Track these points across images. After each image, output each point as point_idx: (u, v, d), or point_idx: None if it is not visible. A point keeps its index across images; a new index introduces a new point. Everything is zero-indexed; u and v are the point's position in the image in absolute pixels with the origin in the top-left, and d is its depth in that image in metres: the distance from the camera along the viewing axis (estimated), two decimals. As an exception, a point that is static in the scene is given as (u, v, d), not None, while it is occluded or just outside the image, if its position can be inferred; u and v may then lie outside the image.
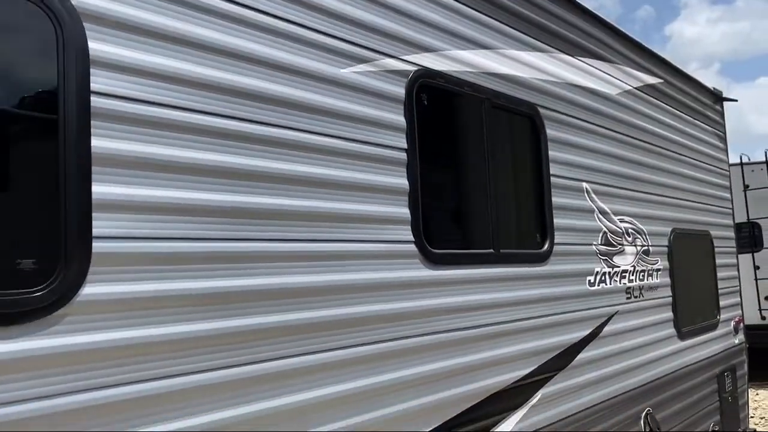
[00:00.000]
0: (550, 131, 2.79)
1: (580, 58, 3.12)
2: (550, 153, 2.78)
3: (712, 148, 4.71)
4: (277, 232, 1.58)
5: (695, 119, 4.45)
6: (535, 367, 2.50)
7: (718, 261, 4.54)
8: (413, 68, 2.10)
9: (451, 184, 2.38)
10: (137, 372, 1.28)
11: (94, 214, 1.25)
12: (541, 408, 2.50)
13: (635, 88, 3.65)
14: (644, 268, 3.48)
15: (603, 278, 3.06)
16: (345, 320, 1.74)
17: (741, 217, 10.14)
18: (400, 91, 2.04)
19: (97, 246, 1.25)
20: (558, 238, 2.75)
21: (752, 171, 10.18)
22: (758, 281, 9.95)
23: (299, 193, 1.66)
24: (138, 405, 1.29)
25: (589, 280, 2.95)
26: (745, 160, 10.30)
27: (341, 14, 1.86)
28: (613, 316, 3.10)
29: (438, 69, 2.20)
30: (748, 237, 10.19)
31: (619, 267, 3.20)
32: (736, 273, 4.92)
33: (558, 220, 2.76)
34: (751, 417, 7.91)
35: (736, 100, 5.16)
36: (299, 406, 1.60)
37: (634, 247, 3.39)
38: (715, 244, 4.52)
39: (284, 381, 1.57)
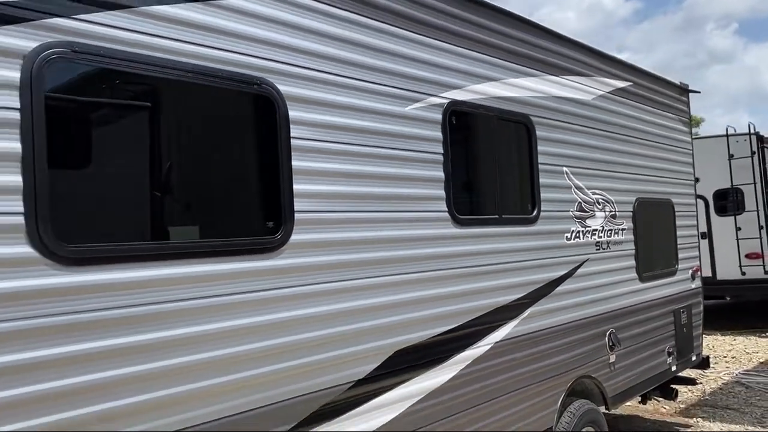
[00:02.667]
0: (539, 132, 4.00)
1: (562, 76, 4.30)
2: (539, 147, 3.99)
3: (676, 132, 5.88)
4: (381, 207, 2.84)
5: (660, 110, 5.62)
6: (526, 293, 3.76)
7: (678, 222, 5.76)
8: (446, 101, 3.31)
9: (471, 174, 3.60)
10: (320, 276, 2.55)
11: (295, 200, 2.50)
12: (529, 320, 3.77)
13: (607, 92, 4.82)
14: (611, 228, 4.71)
15: (577, 235, 4.30)
16: (411, 257, 2.99)
17: (726, 184, 11.33)
18: (439, 116, 3.26)
19: (297, 216, 2.50)
20: (544, 206, 3.98)
21: (737, 142, 11.27)
22: (739, 241, 11.13)
23: (390, 183, 2.91)
24: (312, 296, 2.56)
25: (566, 236, 4.19)
26: (731, 132, 11.39)
27: (406, 75, 3.07)
28: (584, 262, 4.35)
29: (462, 99, 3.41)
30: (731, 201, 11.37)
31: (590, 227, 4.44)
32: (695, 232, 6.14)
33: (544, 194, 3.99)
34: (724, 357, 9.22)
35: (699, 92, 6.31)
36: (392, 303, 2.87)
37: (603, 213, 4.62)
38: (676, 209, 5.73)
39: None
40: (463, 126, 3.45)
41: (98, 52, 1.97)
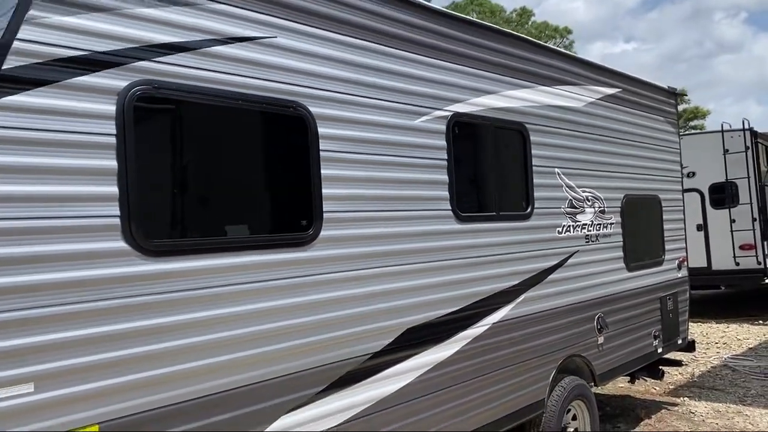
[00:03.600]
0: (533, 138, 4.49)
1: (554, 86, 4.78)
2: (533, 151, 4.49)
3: (663, 132, 6.36)
4: (394, 206, 3.34)
5: (648, 113, 6.09)
6: (521, 280, 4.26)
7: (665, 216, 6.25)
8: (450, 113, 3.81)
9: (472, 176, 4.10)
10: (344, 265, 3.06)
11: (324, 202, 3.01)
12: (524, 304, 4.28)
13: (597, 99, 5.31)
14: (600, 222, 5.20)
15: (568, 229, 4.80)
16: (420, 249, 3.50)
17: (721, 178, 11.79)
18: (443, 127, 3.76)
19: (325, 216, 3.01)
20: (537, 204, 4.48)
21: (731, 137, 11.72)
22: (734, 233, 11.59)
23: (401, 186, 3.41)
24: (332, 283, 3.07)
25: (558, 230, 4.69)
26: (726, 128, 11.83)
27: (415, 93, 3.57)
28: (575, 253, 4.85)
29: (463, 111, 3.91)
30: (726, 195, 11.82)
31: (579, 222, 4.93)
32: (682, 225, 6.62)
33: (537, 193, 4.49)
34: (716, 343, 9.71)
35: (686, 94, 6.76)
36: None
37: (592, 209, 5.11)
38: (663, 205, 6.22)
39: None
40: (465, 135, 3.95)
41: (172, 86, 2.48)
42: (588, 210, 5.05)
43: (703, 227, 11.87)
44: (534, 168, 4.48)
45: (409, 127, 3.53)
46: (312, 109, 3.00)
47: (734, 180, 11.68)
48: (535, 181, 4.48)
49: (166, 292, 2.42)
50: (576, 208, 4.91)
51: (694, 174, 11.97)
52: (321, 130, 3.03)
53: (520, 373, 4.21)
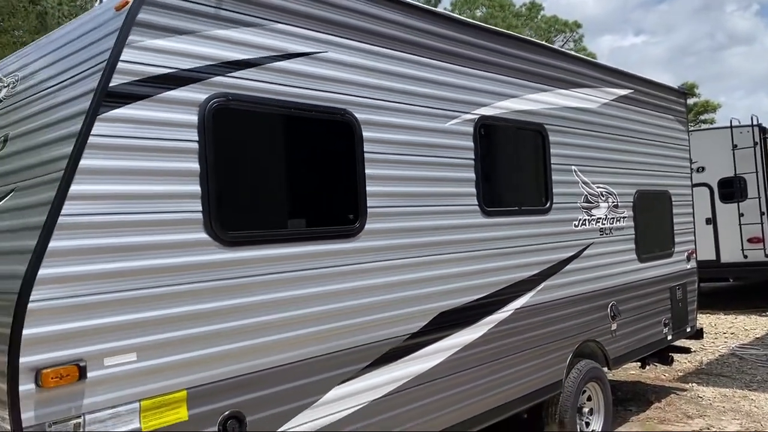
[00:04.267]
0: (551, 137, 4.83)
1: (571, 89, 5.11)
2: (551, 150, 4.82)
3: (673, 130, 6.67)
4: (428, 202, 3.70)
5: (659, 112, 6.41)
6: (541, 270, 4.61)
7: (675, 210, 6.57)
8: (477, 117, 4.15)
9: (496, 173, 4.44)
10: (385, 255, 3.42)
11: (368, 199, 3.37)
12: (543, 292, 4.62)
13: (611, 100, 5.63)
14: (613, 216, 5.53)
15: (584, 222, 5.14)
16: (450, 241, 3.86)
17: (730, 173, 12.06)
18: (471, 129, 4.10)
19: (369, 211, 3.37)
20: (555, 199, 4.82)
21: (740, 133, 11.98)
22: (742, 226, 11.86)
23: (434, 184, 3.76)
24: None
25: (574, 224, 5.03)
26: (735, 123, 12.09)
27: (446, 98, 3.92)
28: (590, 245, 5.19)
29: (489, 114, 4.25)
30: (735, 189, 12.10)
31: (594, 216, 5.27)
32: (691, 219, 6.94)
33: (555, 189, 4.83)
34: (724, 333, 10.01)
35: (693, 94, 7.07)
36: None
37: (606, 203, 5.45)
38: (673, 199, 6.54)
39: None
40: (490, 136, 4.29)
41: (242, 98, 2.84)
42: (602, 205, 5.39)
43: (712, 221, 12.15)
44: (552, 166, 4.82)
45: (440, 130, 3.88)
46: (357, 116, 3.35)
47: (743, 175, 11.94)
48: (553, 177, 4.82)
49: (239, 277, 2.79)
50: (591, 202, 5.24)
51: (703, 169, 12.26)
52: (365, 134, 3.38)
53: (539, 356, 4.56)
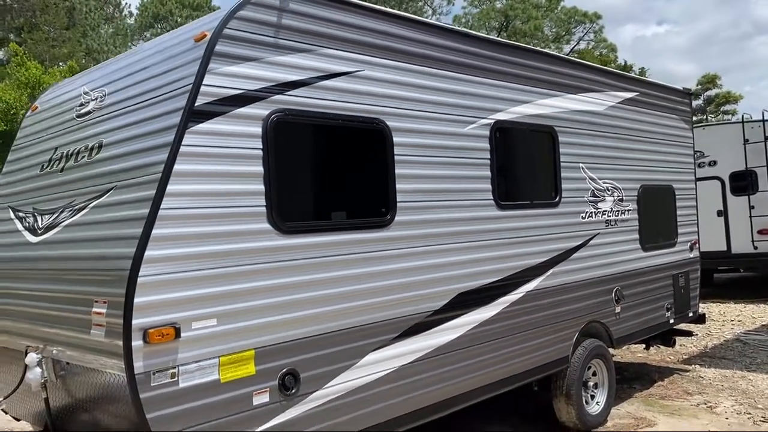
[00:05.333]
0: (561, 138, 5.37)
1: (579, 94, 5.64)
2: (561, 150, 5.36)
3: (677, 129, 7.15)
4: (449, 197, 4.28)
5: (663, 112, 6.90)
6: (550, 257, 5.16)
7: (678, 204, 7.07)
8: (492, 121, 4.71)
9: (509, 171, 5.00)
10: (412, 243, 4.01)
11: (398, 195, 3.95)
12: (552, 277, 5.18)
13: (617, 102, 6.14)
14: (619, 209, 6.06)
15: (590, 215, 5.67)
16: (469, 231, 4.43)
17: (741, 166, 12.45)
18: (487, 133, 4.66)
19: (399, 205, 3.95)
20: (564, 194, 5.36)
21: (752, 128, 12.35)
22: (752, 218, 12.26)
23: (454, 181, 4.33)
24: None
25: (582, 216, 5.57)
26: (746, 118, 12.47)
27: (465, 106, 4.48)
28: (596, 235, 5.72)
29: (503, 119, 4.81)
30: (746, 182, 12.48)
31: (600, 209, 5.80)
32: (694, 212, 7.43)
33: (564, 185, 5.37)
34: (731, 320, 10.46)
35: (699, 94, 7.53)
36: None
37: (612, 197, 5.97)
38: (677, 193, 7.03)
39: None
40: (504, 138, 4.84)
41: (295, 112, 3.44)
42: (608, 198, 5.92)
43: (723, 213, 12.56)
44: (562, 164, 5.36)
45: (460, 134, 4.45)
46: (389, 123, 3.93)
47: (754, 168, 12.33)
48: (562, 174, 5.36)
49: (293, 260, 3.39)
50: (597, 197, 5.77)
51: (715, 162, 12.66)
52: (396, 139, 3.96)
53: (548, 333, 5.12)
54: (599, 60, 38.62)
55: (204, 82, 3.07)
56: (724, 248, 12.50)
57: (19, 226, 4.05)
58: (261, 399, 3.22)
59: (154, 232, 2.87)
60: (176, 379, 2.92)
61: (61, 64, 28.89)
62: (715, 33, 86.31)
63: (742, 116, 12.47)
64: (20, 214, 4.13)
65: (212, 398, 3.04)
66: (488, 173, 4.65)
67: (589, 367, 5.64)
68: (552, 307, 5.17)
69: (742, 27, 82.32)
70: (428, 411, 4.13)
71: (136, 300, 2.80)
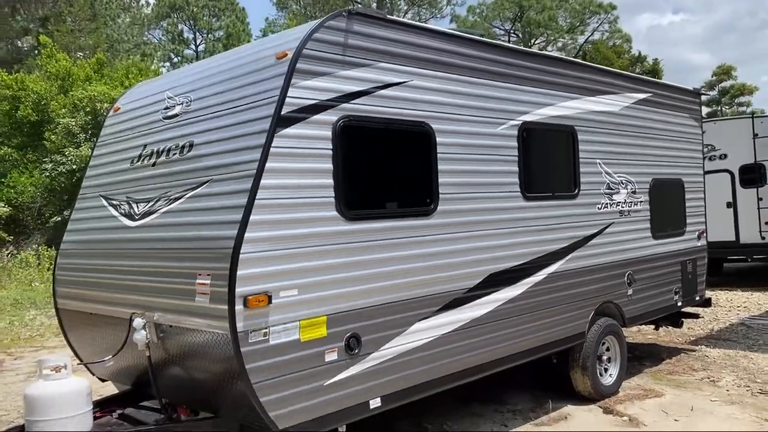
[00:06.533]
0: (580, 137, 5.97)
1: (597, 96, 6.23)
2: (580, 147, 5.97)
3: (687, 127, 7.72)
4: (482, 189, 4.91)
5: (674, 111, 7.46)
6: (570, 243, 5.78)
7: (687, 196, 7.64)
8: (521, 122, 5.32)
9: (534, 166, 5.61)
10: (452, 229, 4.65)
11: (440, 187, 4.58)
12: (571, 261, 5.80)
13: (631, 103, 6.72)
14: (631, 200, 6.66)
15: (606, 206, 6.28)
16: (499, 219, 5.06)
17: (750, 160, 12.96)
18: (515, 132, 5.28)
19: (441, 196, 4.59)
20: (582, 186, 5.98)
21: (761, 122, 12.86)
22: (760, 210, 12.79)
23: (487, 175, 4.96)
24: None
25: (598, 207, 6.18)
26: (757, 113, 12.95)
27: (496, 109, 5.10)
28: (611, 224, 6.33)
29: (529, 120, 5.42)
30: (755, 175, 12.99)
31: (615, 200, 6.41)
32: (702, 203, 8.00)
33: (583, 179, 5.98)
34: (738, 307, 11.04)
35: (708, 94, 8.08)
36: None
37: (625, 189, 6.57)
38: (686, 186, 7.61)
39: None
40: (530, 137, 5.46)
41: (358, 118, 4.07)
42: (622, 191, 6.52)
43: (732, 204, 13.08)
44: (580, 159, 5.97)
45: (492, 134, 5.07)
46: (433, 126, 4.56)
47: (763, 162, 12.84)
48: (581, 169, 5.97)
49: (356, 242, 4.05)
50: (612, 189, 6.38)
51: (726, 156, 13.17)
52: (438, 140, 4.60)
53: (567, 311, 5.75)
54: (613, 51, 38.78)
55: (288, 94, 3.71)
56: (733, 238, 13.04)
57: (115, 212, 4.73)
58: (331, 356, 3.89)
59: (252, 217, 3.53)
60: (267, 337, 3.59)
61: (80, 54, 29.67)
62: (731, 22, 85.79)
63: (752, 111, 12.95)
64: (114, 202, 4.80)
65: (294, 354, 3.71)
66: (516, 168, 5.27)
67: (603, 343, 6.26)
68: (570, 288, 5.79)
69: (760, 16, 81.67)
70: (464, 374, 4.79)
71: (238, 272, 3.46)
